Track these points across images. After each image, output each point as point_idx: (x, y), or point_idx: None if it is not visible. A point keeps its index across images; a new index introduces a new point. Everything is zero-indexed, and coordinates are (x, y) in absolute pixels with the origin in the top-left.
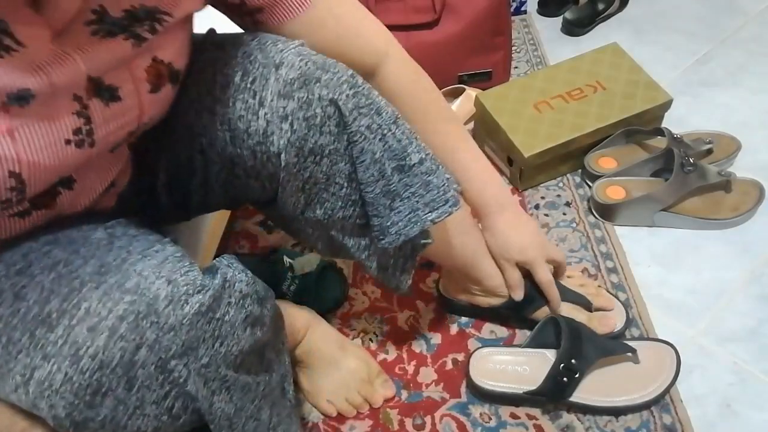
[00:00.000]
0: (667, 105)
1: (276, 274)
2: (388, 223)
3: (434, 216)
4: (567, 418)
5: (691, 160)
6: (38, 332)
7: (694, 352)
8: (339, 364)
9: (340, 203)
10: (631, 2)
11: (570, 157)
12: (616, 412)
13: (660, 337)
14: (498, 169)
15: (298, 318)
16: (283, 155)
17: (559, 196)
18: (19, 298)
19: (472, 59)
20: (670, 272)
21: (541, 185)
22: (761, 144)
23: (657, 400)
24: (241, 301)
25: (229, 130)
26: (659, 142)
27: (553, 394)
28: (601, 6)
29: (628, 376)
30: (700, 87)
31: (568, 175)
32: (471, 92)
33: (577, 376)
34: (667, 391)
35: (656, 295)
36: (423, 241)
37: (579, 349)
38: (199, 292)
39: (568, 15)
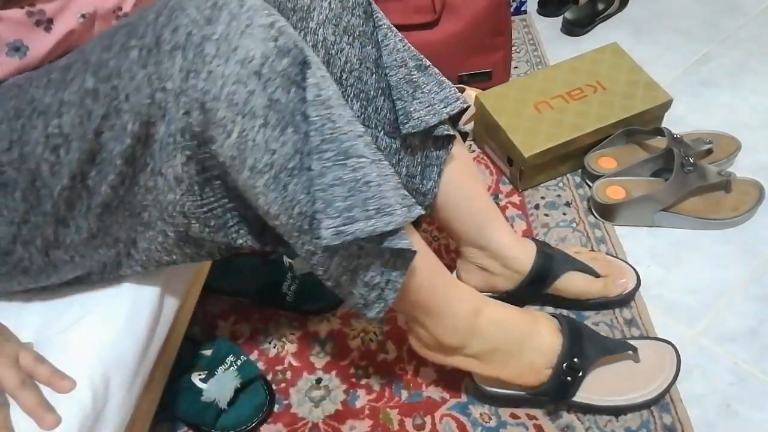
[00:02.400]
0: (667, 105)
1: (276, 274)
2: (411, 109)
3: (449, 110)
4: (567, 418)
5: (691, 160)
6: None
7: (694, 352)
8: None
9: (372, 92)
10: (631, 2)
11: (570, 157)
12: (617, 411)
13: (662, 335)
14: (498, 169)
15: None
16: (321, 29)
17: (559, 196)
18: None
19: (472, 59)
20: (670, 272)
21: (541, 185)
22: (761, 144)
23: (657, 400)
24: None
25: (274, 4)
26: (659, 142)
27: (557, 394)
28: (601, 6)
29: (629, 376)
30: (700, 87)
31: (568, 175)
32: (471, 92)
33: (580, 374)
34: (667, 390)
35: (656, 295)
36: (446, 132)
37: (581, 348)
38: None
39: (568, 15)
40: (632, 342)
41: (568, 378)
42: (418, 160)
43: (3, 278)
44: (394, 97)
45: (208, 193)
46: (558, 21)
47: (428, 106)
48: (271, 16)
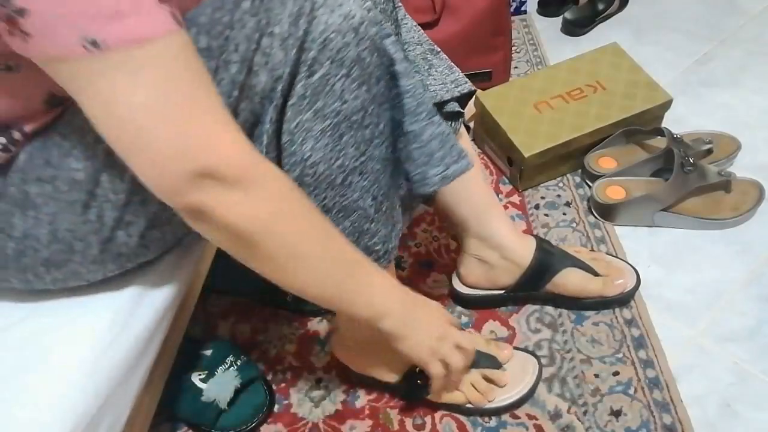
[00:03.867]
0: (667, 105)
1: None
2: (428, 82)
3: (460, 89)
4: (567, 418)
5: (691, 160)
6: None
7: (694, 352)
8: None
9: None
10: (631, 2)
11: (570, 157)
12: (479, 412)
13: (662, 335)
14: (498, 169)
15: None
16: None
17: (559, 196)
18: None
19: (472, 59)
20: (670, 272)
21: (541, 185)
22: (761, 144)
23: (517, 404)
24: None
25: None
26: (659, 142)
27: (409, 393)
28: (601, 6)
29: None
30: (700, 87)
31: (568, 175)
32: None
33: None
34: (528, 396)
35: (656, 295)
36: (456, 109)
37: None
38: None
39: (568, 15)
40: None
41: (419, 381)
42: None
43: (95, 266)
44: (414, 70)
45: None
46: (558, 21)
47: (441, 84)
48: None
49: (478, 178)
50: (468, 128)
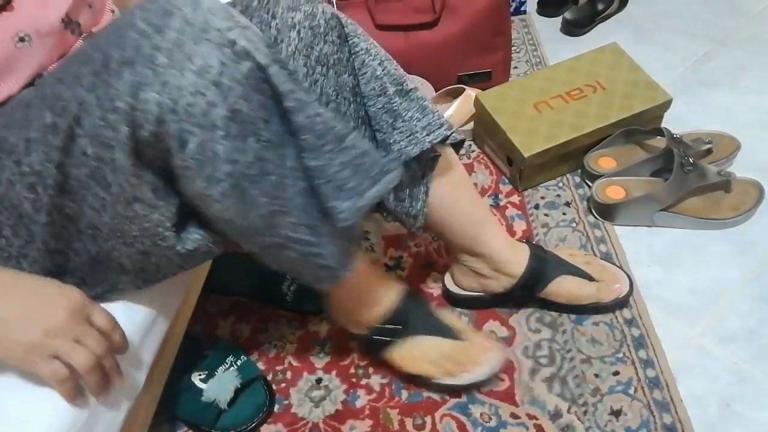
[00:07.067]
0: (666, 105)
1: (276, 274)
2: (391, 141)
3: (432, 138)
4: (567, 417)
5: (691, 160)
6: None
7: (694, 352)
8: None
9: (352, 122)
10: (630, 2)
11: (570, 157)
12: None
13: (662, 335)
14: (498, 169)
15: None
16: (291, 62)
17: (558, 196)
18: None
19: (472, 59)
20: (670, 272)
21: (541, 185)
22: (761, 144)
23: (463, 388)
24: None
25: None
26: (659, 142)
27: (370, 347)
28: (600, 6)
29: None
30: (699, 87)
31: (567, 175)
32: (471, 92)
33: (391, 339)
34: (481, 383)
35: (656, 295)
36: (432, 155)
37: (405, 318)
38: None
39: (567, 15)
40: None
41: (381, 336)
42: (405, 183)
43: None
44: (374, 129)
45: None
46: (558, 21)
47: (409, 136)
48: (230, 19)
49: (467, 195)
50: (462, 143)
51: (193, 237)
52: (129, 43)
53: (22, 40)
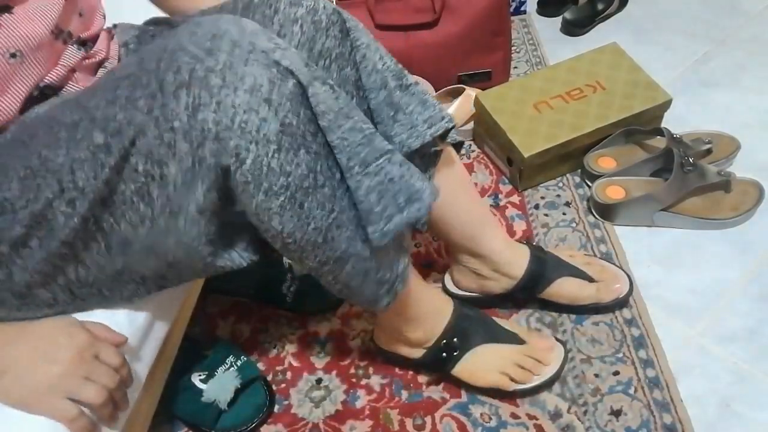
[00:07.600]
0: (666, 105)
1: (276, 274)
2: (392, 133)
3: (433, 130)
4: (567, 417)
5: (691, 160)
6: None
7: (694, 352)
8: None
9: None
10: (630, 2)
11: (569, 157)
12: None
13: (662, 335)
14: (498, 169)
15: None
16: None
17: (558, 196)
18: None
19: (472, 59)
20: (670, 272)
21: (541, 185)
22: (761, 144)
23: (535, 390)
24: None
25: None
26: (659, 142)
27: (434, 365)
28: (600, 6)
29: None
30: (699, 87)
31: (567, 175)
32: (471, 92)
33: (456, 354)
34: (550, 383)
35: (656, 295)
36: (433, 149)
37: (464, 330)
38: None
39: (567, 15)
40: (524, 335)
41: (444, 354)
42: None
43: (29, 309)
44: (375, 121)
45: (227, 217)
46: (558, 21)
47: (410, 128)
48: (271, 40)
49: (467, 194)
50: (461, 144)
51: (229, 256)
52: (183, 66)
53: (13, 56)
